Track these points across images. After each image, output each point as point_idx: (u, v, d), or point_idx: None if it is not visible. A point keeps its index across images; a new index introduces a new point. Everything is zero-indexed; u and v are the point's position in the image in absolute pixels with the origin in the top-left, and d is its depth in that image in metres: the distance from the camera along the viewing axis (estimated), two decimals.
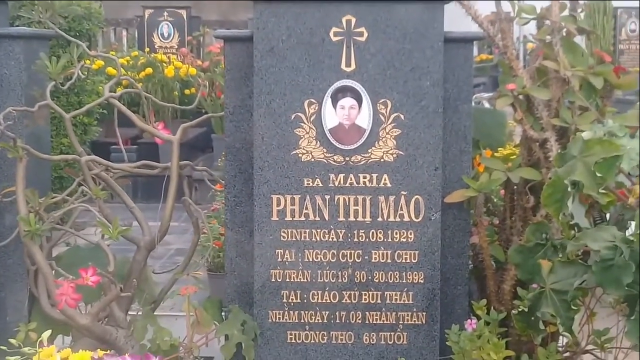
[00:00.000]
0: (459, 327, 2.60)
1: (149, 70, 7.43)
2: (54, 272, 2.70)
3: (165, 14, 9.94)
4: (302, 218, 2.69)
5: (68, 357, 2.09)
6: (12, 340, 2.35)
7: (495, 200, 3.01)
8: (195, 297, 2.83)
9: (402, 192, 2.67)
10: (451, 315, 2.75)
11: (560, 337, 2.74)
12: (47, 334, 2.14)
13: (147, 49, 9.10)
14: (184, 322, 2.73)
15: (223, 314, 2.77)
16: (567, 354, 2.73)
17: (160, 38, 9.83)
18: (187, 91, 7.65)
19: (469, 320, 2.61)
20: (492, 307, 2.68)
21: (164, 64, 7.71)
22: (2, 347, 2.28)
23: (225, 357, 2.69)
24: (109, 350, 2.29)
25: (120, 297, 2.73)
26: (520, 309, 2.57)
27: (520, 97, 2.68)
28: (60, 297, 2.58)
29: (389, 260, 2.71)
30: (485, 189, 2.70)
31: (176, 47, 9.49)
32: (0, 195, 2.76)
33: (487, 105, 5.47)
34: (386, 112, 2.65)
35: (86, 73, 3.73)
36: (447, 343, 2.60)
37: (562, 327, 2.50)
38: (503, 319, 2.64)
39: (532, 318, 2.52)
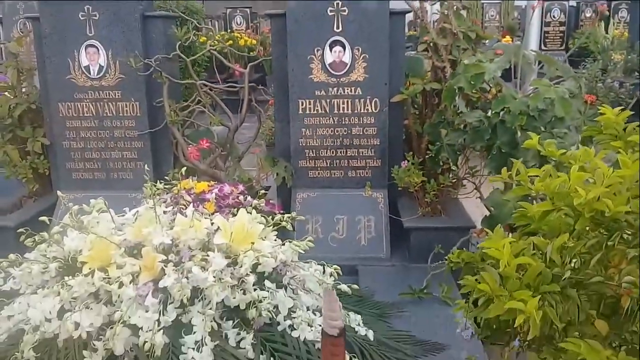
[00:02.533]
0: (398, 167, 3.56)
1: (230, 41, 8.75)
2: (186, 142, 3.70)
3: (238, 10, 12.85)
4: (314, 112, 3.67)
5: (195, 186, 2.99)
6: (166, 177, 3.09)
7: (417, 100, 3.82)
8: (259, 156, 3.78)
9: (368, 96, 3.65)
10: (394, 161, 3.66)
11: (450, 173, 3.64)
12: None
13: (229, 31, 10.85)
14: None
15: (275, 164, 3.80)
16: (455, 180, 3.64)
17: (236, 25, 12.45)
18: (251, 52, 8.97)
19: (403, 162, 3.55)
20: (415, 156, 3.58)
21: (238, 38, 9.12)
22: (160, 181, 2.96)
23: (277, 183, 3.67)
24: (215, 183, 3.24)
25: (221, 155, 3.76)
26: (429, 156, 3.49)
27: (431, 44, 3.57)
28: (190, 154, 3.60)
29: (361, 133, 3.70)
30: (411, 94, 3.62)
31: (244, 30, 11.29)
32: (155, 102, 3.76)
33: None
34: (359, 54, 3.61)
35: (196, 38, 4.66)
36: (392, 175, 3.57)
37: (452, 164, 3.36)
38: (421, 162, 3.57)
39: (436, 160, 3.42)
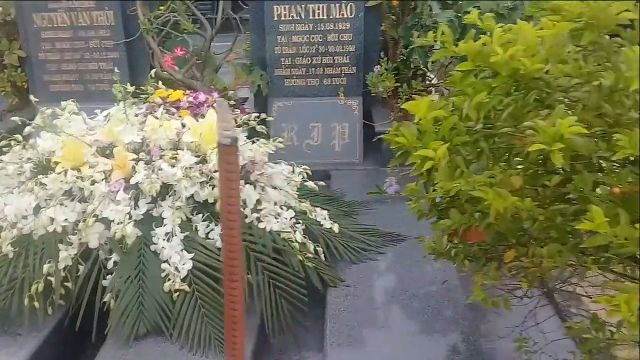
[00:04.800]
0: (372, 73, 3.55)
1: None
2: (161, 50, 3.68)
3: None
4: (290, 18, 3.62)
5: (170, 95, 2.97)
6: (142, 87, 3.05)
7: (395, 4, 3.70)
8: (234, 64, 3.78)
9: (343, 1, 3.58)
10: (369, 68, 3.63)
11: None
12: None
13: None
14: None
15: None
16: (428, 85, 3.70)
17: None
18: None
19: (376, 67, 3.56)
20: (389, 61, 3.57)
21: None
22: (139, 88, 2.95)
23: (253, 91, 3.70)
24: (191, 92, 3.25)
25: (197, 64, 3.74)
26: (401, 59, 3.50)
27: None
28: (165, 62, 3.59)
29: (336, 39, 3.67)
30: None
31: None
32: (129, 11, 3.69)
33: None
34: None
35: None
36: (366, 82, 3.58)
37: (425, 68, 3.38)
38: (395, 68, 3.58)
39: (407, 63, 3.43)
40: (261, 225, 2.31)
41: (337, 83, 3.71)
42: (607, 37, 1.21)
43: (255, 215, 2.34)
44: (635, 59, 0.95)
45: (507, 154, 1.09)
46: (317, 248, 2.38)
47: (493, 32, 1.12)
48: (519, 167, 1.10)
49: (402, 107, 1.32)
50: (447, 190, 1.30)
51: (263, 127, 3.01)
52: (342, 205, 2.93)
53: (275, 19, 3.60)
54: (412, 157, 1.02)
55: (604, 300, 0.79)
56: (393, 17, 3.73)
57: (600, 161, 1.09)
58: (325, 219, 2.58)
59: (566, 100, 1.09)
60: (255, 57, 3.75)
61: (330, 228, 2.54)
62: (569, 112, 1.08)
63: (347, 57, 3.66)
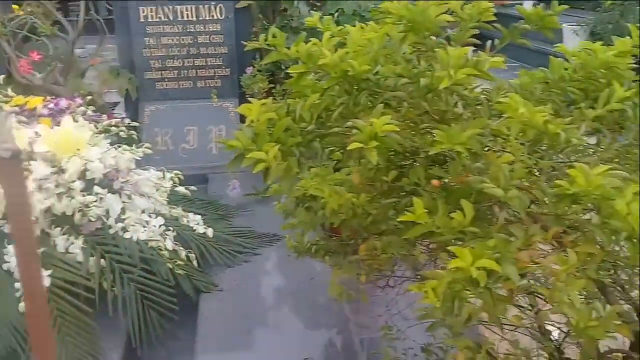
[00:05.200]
0: (245, 74, 3.55)
1: None
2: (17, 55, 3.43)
3: None
4: (157, 19, 3.54)
5: (27, 102, 2.78)
6: None
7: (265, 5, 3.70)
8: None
9: (212, 3, 3.54)
10: (243, 68, 3.62)
11: None
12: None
13: None
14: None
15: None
16: None
17: None
18: None
19: (248, 69, 3.56)
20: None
21: None
22: None
23: (122, 96, 3.55)
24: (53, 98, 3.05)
25: (60, 68, 3.53)
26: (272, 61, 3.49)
27: None
28: (20, 68, 3.34)
29: (207, 41, 3.62)
30: None
31: None
32: None
33: None
34: None
35: None
36: (241, 83, 3.57)
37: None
38: (268, 70, 3.55)
39: (279, 64, 3.42)
40: (127, 235, 2.22)
41: (212, 85, 3.66)
42: (434, 38, 1.29)
43: (120, 225, 2.25)
44: (446, 60, 1.01)
45: (341, 153, 1.12)
46: (189, 254, 2.33)
47: (347, 35, 1.15)
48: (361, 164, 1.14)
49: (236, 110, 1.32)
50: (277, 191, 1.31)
51: (133, 132, 2.91)
52: (218, 209, 2.90)
53: (142, 20, 3.49)
54: (246, 160, 1.02)
55: (416, 288, 0.85)
56: (265, 18, 3.74)
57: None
58: (198, 224, 2.53)
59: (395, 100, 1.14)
60: (123, 60, 3.62)
61: (204, 233, 2.50)
62: (394, 111, 1.13)
63: (220, 58, 3.63)
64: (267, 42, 1.18)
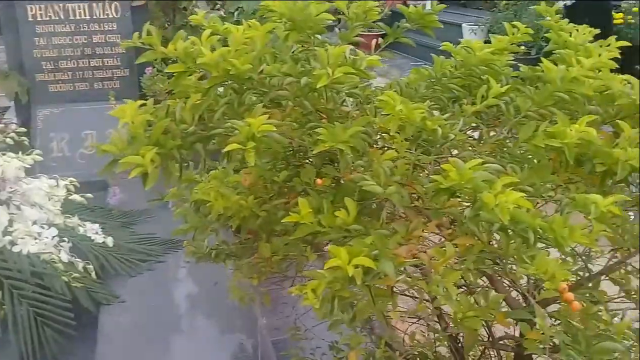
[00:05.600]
0: (146, 74, 3.41)
1: None
2: None
3: None
4: (47, 18, 3.33)
5: None
6: None
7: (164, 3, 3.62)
8: None
9: (107, 1, 3.38)
10: (144, 69, 3.45)
11: None
12: None
13: None
14: None
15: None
16: None
17: None
18: None
19: (148, 69, 3.41)
20: (162, 62, 3.40)
21: None
22: None
23: (10, 100, 3.33)
24: None
25: None
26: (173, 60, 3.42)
27: None
28: None
29: (103, 41, 3.45)
30: None
31: None
32: None
33: None
34: None
35: None
36: (141, 84, 3.42)
37: None
38: None
39: None
40: (15, 249, 2.08)
41: (110, 87, 3.49)
42: (318, 36, 1.28)
43: (8, 238, 2.09)
44: (325, 58, 1.01)
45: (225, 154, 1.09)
46: (87, 266, 2.21)
47: (229, 34, 1.11)
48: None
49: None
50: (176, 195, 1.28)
51: (24, 138, 2.73)
52: (120, 216, 2.78)
53: (30, 19, 3.28)
54: (120, 165, 0.97)
55: (296, 290, 0.84)
56: (164, 16, 3.62)
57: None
58: (97, 233, 2.40)
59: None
60: (12, 61, 3.38)
61: (104, 242, 2.38)
62: (282, 110, 1.12)
63: (118, 59, 3.47)
64: (141, 41, 1.12)
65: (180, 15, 3.39)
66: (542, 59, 1.11)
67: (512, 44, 1.32)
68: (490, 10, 6.70)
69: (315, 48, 1.12)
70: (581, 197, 0.85)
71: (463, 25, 6.22)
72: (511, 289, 1.23)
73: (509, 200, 0.78)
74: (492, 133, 1.20)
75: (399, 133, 1.03)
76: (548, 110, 1.05)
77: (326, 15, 1.15)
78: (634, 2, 5.98)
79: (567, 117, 0.99)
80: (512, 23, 1.32)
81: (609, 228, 0.92)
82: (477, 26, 6.12)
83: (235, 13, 2.89)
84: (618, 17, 5.79)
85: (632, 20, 5.77)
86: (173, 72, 1.09)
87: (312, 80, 0.99)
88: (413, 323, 1.39)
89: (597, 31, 1.34)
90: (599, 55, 1.12)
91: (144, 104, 1.04)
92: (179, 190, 1.54)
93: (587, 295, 0.96)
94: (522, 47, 5.24)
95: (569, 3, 5.07)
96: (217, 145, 1.04)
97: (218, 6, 3.42)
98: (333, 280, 0.78)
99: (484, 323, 1.02)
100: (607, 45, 1.24)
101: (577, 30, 1.27)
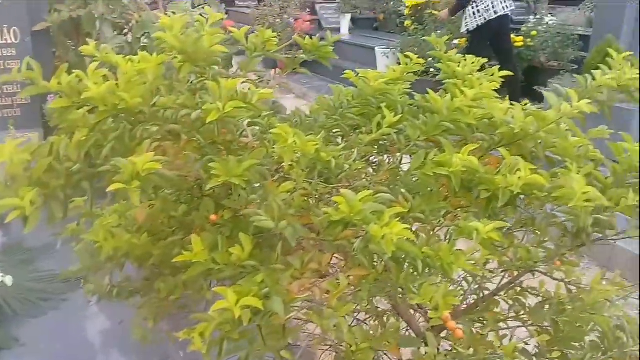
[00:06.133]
0: (48, 102, 3.24)
1: None
2: None
3: None
4: None
5: None
6: None
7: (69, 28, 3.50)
8: None
9: (5, 26, 3.21)
10: (45, 95, 3.31)
11: None
12: None
13: None
14: None
15: None
16: None
17: None
18: None
19: (50, 97, 3.24)
20: None
21: None
22: None
23: None
24: None
25: None
26: None
27: None
28: None
29: (2, 67, 3.27)
30: (56, 23, 3.30)
31: None
32: None
33: None
34: None
35: None
36: (44, 112, 3.25)
37: None
38: None
39: None
40: None
41: (11, 115, 3.31)
42: (215, 67, 1.27)
43: None
44: (217, 92, 1.00)
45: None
46: None
47: (117, 65, 1.08)
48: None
49: None
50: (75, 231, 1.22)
51: None
52: (21, 253, 2.61)
53: None
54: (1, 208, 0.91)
55: (184, 334, 0.81)
56: (69, 41, 3.49)
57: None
58: None
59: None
60: None
61: (2, 282, 2.23)
62: (176, 143, 1.09)
63: (18, 85, 3.30)
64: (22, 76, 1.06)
65: (83, 40, 3.26)
66: (428, 90, 1.16)
67: (408, 73, 1.37)
68: (400, 34, 6.95)
69: (211, 79, 1.11)
70: (464, 225, 0.89)
71: (376, 48, 6.41)
72: (416, 313, 1.26)
73: (394, 232, 0.80)
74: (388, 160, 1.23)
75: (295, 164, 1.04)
76: (436, 138, 1.09)
77: (219, 48, 1.15)
78: (532, 25, 6.38)
79: (452, 146, 1.03)
80: (405, 54, 1.36)
81: (495, 251, 0.96)
82: (388, 49, 6.32)
83: (142, 38, 2.83)
84: (518, 40, 6.16)
85: (532, 43, 6.16)
86: (56, 108, 1.04)
87: (203, 115, 0.98)
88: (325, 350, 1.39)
89: (485, 60, 1.41)
90: (481, 84, 1.18)
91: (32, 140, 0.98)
92: (79, 225, 1.48)
93: (477, 318, 1.00)
94: (432, 70, 5.42)
95: (471, 27, 5.33)
96: (106, 182, 1.00)
97: (126, 30, 3.34)
98: (222, 322, 0.77)
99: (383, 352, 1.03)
100: (492, 75, 1.31)
101: (465, 60, 1.33)
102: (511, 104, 1.25)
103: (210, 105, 0.96)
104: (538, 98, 5.15)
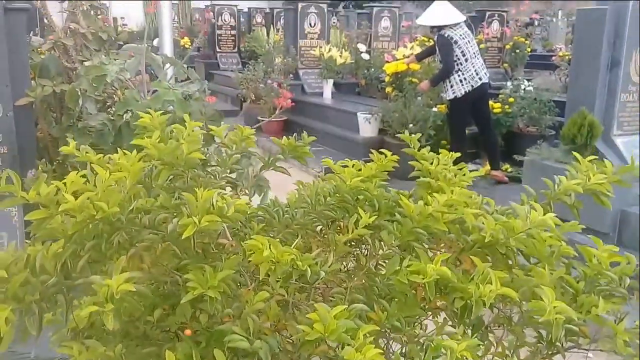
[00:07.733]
0: (30, 176, 3.23)
1: None
2: None
3: None
4: None
5: None
6: None
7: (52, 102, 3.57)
8: None
9: None
10: (28, 170, 3.31)
11: None
12: None
13: None
14: None
15: None
16: None
17: None
18: None
19: (31, 172, 3.24)
20: (52, 162, 3.31)
21: None
22: None
23: None
24: None
25: None
26: (58, 162, 3.28)
27: (58, 44, 3.35)
28: None
29: None
30: (38, 97, 3.31)
31: None
32: None
33: None
34: None
35: None
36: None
37: (81, 169, 3.23)
38: (53, 171, 3.32)
39: (65, 166, 3.23)
40: None
41: None
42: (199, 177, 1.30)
43: None
44: (194, 205, 1.02)
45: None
46: None
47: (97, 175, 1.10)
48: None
49: None
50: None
51: None
52: None
53: None
54: None
55: None
56: (53, 115, 3.52)
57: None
58: None
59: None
60: None
61: None
62: (152, 251, 1.11)
63: (0, 159, 3.30)
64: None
65: (67, 115, 3.29)
66: (400, 195, 1.19)
67: (382, 171, 1.40)
68: (382, 99, 7.13)
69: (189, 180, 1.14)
70: (439, 342, 0.90)
71: (358, 114, 6.55)
72: None
73: (366, 357, 0.81)
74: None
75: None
76: (410, 244, 1.12)
77: (198, 155, 1.18)
78: (509, 92, 6.60)
79: (425, 254, 1.06)
80: (380, 151, 1.40)
81: None
82: (370, 115, 6.46)
83: (125, 115, 2.88)
84: (497, 107, 6.35)
85: (510, 110, 6.35)
86: (33, 219, 1.05)
87: (179, 229, 1.00)
88: None
89: (458, 155, 1.47)
90: (454, 183, 1.22)
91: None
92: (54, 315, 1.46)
93: None
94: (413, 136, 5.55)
95: (459, 94, 5.49)
96: (83, 294, 1.00)
97: (109, 104, 3.38)
98: None
99: None
100: (476, 169, 1.35)
101: (438, 158, 1.38)
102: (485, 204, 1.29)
103: (187, 220, 0.98)
104: (518, 163, 5.29)
